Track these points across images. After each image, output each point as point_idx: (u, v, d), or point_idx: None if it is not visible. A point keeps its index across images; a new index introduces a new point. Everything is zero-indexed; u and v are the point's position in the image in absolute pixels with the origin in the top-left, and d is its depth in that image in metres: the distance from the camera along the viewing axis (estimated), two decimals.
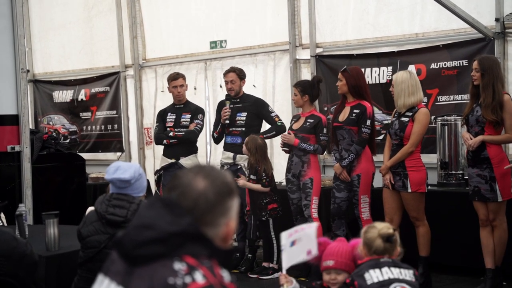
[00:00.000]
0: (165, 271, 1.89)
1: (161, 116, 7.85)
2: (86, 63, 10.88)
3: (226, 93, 7.57)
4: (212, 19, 9.38)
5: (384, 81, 7.76)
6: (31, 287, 3.64)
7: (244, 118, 7.41)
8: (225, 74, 7.57)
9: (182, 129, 7.64)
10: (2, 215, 5.40)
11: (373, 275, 3.40)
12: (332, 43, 8.35)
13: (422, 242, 6.20)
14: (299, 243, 3.40)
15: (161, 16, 9.96)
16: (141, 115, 10.20)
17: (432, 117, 6.92)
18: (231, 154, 7.43)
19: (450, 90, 7.34)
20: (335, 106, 7.05)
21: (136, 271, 1.93)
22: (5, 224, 5.35)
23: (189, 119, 7.67)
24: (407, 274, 3.45)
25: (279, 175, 7.43)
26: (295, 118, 7.06)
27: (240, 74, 7.50)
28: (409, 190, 6.13)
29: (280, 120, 7.42)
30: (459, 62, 7.25)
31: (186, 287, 1.86)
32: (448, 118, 6.82)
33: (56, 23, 11.08)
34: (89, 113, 10.78)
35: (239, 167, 7.34)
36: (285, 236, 3.36)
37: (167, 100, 8.51)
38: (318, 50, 8.42)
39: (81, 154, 8.86)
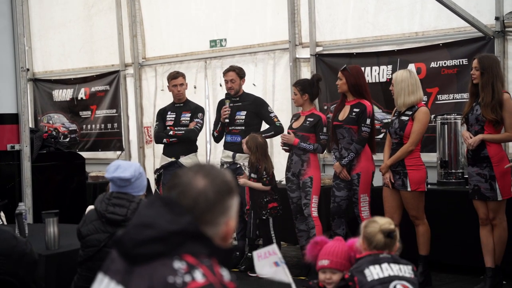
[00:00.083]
0: (165, 270, 1.89)
1: (161, 115, 7.85)
2: (86, 61, 10.88)
3: (226, 92, 7.57)
4: (212, 18, 9.38)
5: (384, 80, 7.76)
6: (31, 286, 3.63)
7: (244, 117, 7.41)
8: (225, 73, 7.57)
9: (182, 128, 7.64)
10: (2, 213, 5.39)
11: (373, 272, 3.41)
12: (332, 42, 8.35)
13: (422, 241, 6.20)
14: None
15: (161, 14, 9.96)
16: (141, 114, 10.20)
17: (432, 116, 6.92)
18: (230, 153, 7.43)
19: (450, 89, 7.34)
20: (335, 105, 7.04)
21: (136, 270, 1.93)
22: (5, 223, 5.35)
23: (189, 118, 7.67)
24: (406, 270, 3.46)
25: (279, 174, 7.43)
26: (295, 117, 7.06)
27: (240, 73, 7.50)
28: (409, 189, 6.14)
29: (278, 120, 7.42)
30: (459, 61, 7.26)
31: (186, 286, 1.86)
32: (448, 117, 6.83)
33: (56, 21, 11.08)
34: (89, 112, 10.78)
35: (238, 166, 7.34)
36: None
37: (167, 99, 8.51)
38: (318, 49, 8.43)
39: (81, 153, 8.86)
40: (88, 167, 8.71)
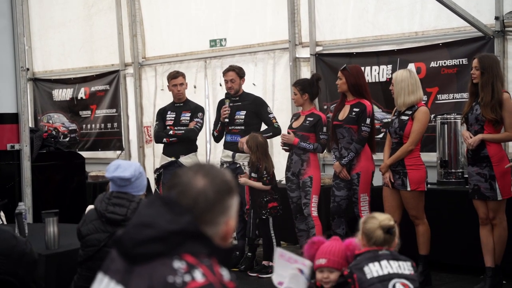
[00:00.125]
0: (165, 269, 1.89)
1: (161, 114, 7.85)
2: (86, 61, 10.88)
3: (226, 91, 7.57)
4: (212, 18, 9.38)
5: (383, 79, 7.76)
6: (30, 286, 3.64)
7: (243, 117, 7.40)
8: (225, 73, 7.56)
9: (182, 128, 7.63)
10: (2, 213, 5.39)
11: (373, 269, 3.41)
12: (332, 41, 8.35)
13: (422, 241, 6.20)
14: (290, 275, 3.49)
15: (161, 14, 9.95)
16: (141, 114, 10.20)
17: (432, 116, 6.92)
18: (230, 153, 7.43)
19: (450, 89, 7.34)
20: (334, 105, 7.04)
21: (136, 269, 1.93)
22: (5, 222, 5.35)
23: (189, 118, 7.67)
24: (406, 267, 3.46)
25: (279, 173, 7.43)
26: (295, 116, 7.07)
27: (240, 73, 7.50)
28: (408, 189, 6.14)
29: (277, 122, 7.41)
30: (459, 61, 7.25)
31: (185, 285, 1.86)
32: (448, 116, 6.82)
33: (56, 21, 11.08)
34: (89, 112, 10.78)
35: (238, 165, 7.34)
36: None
37: (166, 98, 8.51)
38: (318, 49, 8.43)
39: (80, 152, 8.86)
40: (88, 166, 8.71)
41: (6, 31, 6.77)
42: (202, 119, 7.73)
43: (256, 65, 8.89)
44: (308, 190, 6.71)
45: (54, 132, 9.90)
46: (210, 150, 9.39)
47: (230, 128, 7.47)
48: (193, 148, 7.71)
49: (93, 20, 10.68)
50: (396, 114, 6.33)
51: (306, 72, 8.42)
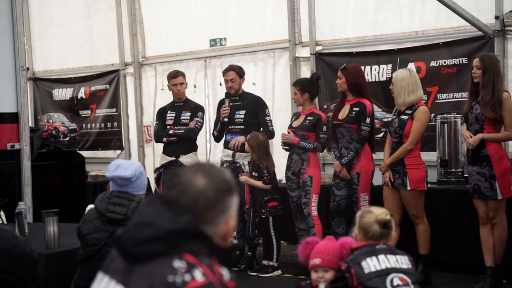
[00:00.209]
0: (165, 269, 1.89)
1: (161, 114, 7.85)
2: (86, 61, 10.88)
3: (226, 91, 7.56)
4: (212, 17, 9.38)
5: (383, 79, 7.76)
6: (31, 285, 3.64)
7: (243, 116, 7.40)
8: (225, 72, 7.56)
9: (182, 127, 7.63)
10: (2, 213, 5.39)
11: (370, 264, 3.40)
12: (332, 41, 8.35)
13: (422, 240, 6.20)
14: None
15: (161, 14, 9.95)
16: (141, 113, 10.20)
17: (432, 115, 6.92)
18: (230, 152, 7.43)
19: (450, 88, 7.34)
20: (334, 104, 7.04)
21: (136, 269, 1.93)
22: (5, 222, 5.35)
23: (189, 117, 7.67)
24: (403, 261, 3.45)
25: (279, 173, 7.43)
26: (295, 116, 7.07)
27: (240, 72, 7.49)
28: (408, 188, 6.14)
29: (272, 126, 7.40)
30: (459, 60, 7.26)
31: (185, 285, 1.86)
32: (448, 116, 6.82)
33: (56, 21, 11.08)
34: (89, 111, 10.78)
35: (238, 165, 7.34)
36: None
37: (166, 98, 8.51)
38: (318, 48, 8.43)
39: (80, 152, 8.86)
40: (88, 166, 8.71)
41: (6, 31, 6.77)
42: (202, 118, 7.73)
43: (256, 65, 8.89)
44: (308, 189, 6.71)
45: (54, 132, 9.90)
46: (210, 150, 9.39)
47: (230, 127, 7.47)
48: (193, 148, 7.71)
49: (93, 19, 10.68)
50: (396, 113, 6.33)
51: (306, 72, 8.41)
